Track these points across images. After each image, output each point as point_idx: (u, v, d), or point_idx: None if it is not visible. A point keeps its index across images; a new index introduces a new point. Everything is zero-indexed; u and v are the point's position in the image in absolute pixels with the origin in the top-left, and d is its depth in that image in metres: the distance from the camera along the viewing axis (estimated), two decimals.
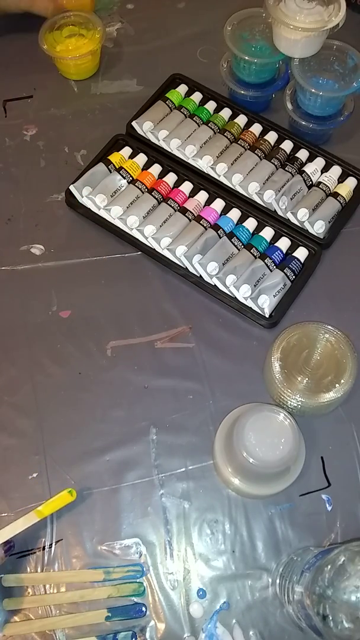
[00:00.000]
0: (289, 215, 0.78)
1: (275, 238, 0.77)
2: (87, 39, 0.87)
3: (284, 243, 0.76)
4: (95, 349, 0.72)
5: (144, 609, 0.61)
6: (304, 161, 0.82)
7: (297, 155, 0.82)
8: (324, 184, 0.80)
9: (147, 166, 0.81)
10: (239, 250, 0.76)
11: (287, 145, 0.83)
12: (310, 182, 0.80)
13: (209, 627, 0.60)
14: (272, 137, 0.83)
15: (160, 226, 0.77)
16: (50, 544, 0.63)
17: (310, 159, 0.82)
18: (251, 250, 0.75)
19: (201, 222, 0.77)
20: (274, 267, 0.75)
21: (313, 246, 0.76)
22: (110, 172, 0.80)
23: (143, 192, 0.79)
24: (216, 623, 0.60)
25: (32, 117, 0.87)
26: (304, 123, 0.81)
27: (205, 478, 0.66)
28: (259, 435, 0.58)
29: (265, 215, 0.78)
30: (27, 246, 0.78)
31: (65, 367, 0.71)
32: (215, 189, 0.80)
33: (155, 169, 0.81)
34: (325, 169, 0.81)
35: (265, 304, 0.72)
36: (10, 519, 0.61)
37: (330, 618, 0.49)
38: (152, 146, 0.83)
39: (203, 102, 0.86)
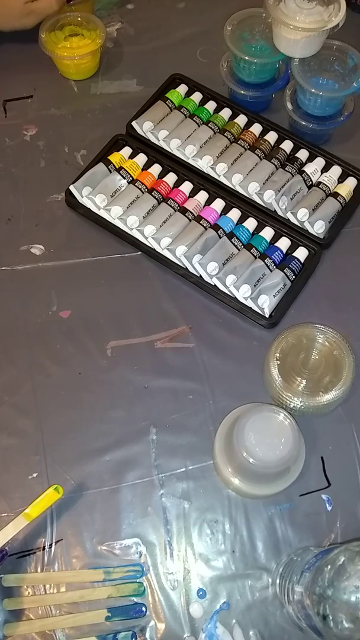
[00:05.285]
0: (289, 215, 0.78)
1: (275, 238, 0.77)
2: (88, 39, 0.87)
3: (284, 243, 0.76)
4: (95, 349, 0.72)
5: (144, 609, 0.61)
6: (304, 161, 0.82)
7: (297, 155, 0.82)
8: (324, 184, 0.80)
9: (147, 166, 0.81)
10: (239, 250, 0.76)
11: (287, 145, 0.83)
12: (310, 182, 0.80)
13: (209, 627, 0.60)
14: (272, 137, 0.83)
15: (160, 226, 0.77)
16: (50, 544, 0.63)
17: (310, 159, 0.82)
18: (251, 250, 0.75)
19: (201, 222, 0.77)
20: (274, 267, 0.75)
21: (313, 246, 0.76)
22: (110, 172, 0.80)
23: (143, 192, 0.79)
24: (216, 623, 0.60)
25: (32, 117, 0.87)
26: (304, 123, 0.81)
27: (205, 478, 0.66)
28: (259, 435, 0.58)
29: (265, 215, 0.78)
30: (27, 246, 0.78)
31: (65, 367, 0.71)
32: (215, 189, 0.80)
33: (155, 169, 0.81)
34: (325, 169, 0.81)
35: (265, 304, 0.72)
36: (10, 519, 0.61)
37: (330, 618, 0.49)
38: (152, 146, 0.83)
39: (203, 102, 0.86)
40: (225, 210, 0.79)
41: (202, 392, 0.70)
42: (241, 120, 0.85)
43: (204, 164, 0.81)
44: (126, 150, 0.82)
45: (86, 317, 0.74)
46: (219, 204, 0.79)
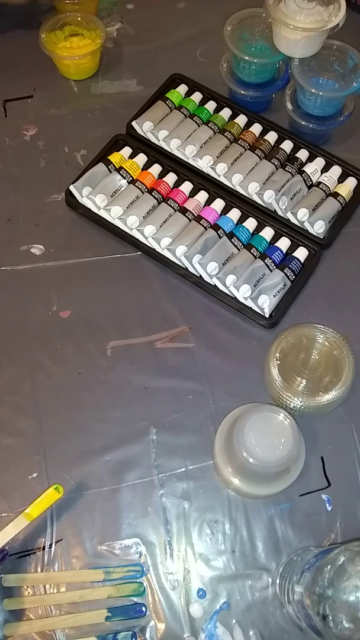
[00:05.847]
0: (289, 215, 0.78)
1: (275, 238, 0.77)
2: (88, 39, 0.87)
3: (284, 243, 0.76)
4: (95, 349, 0.72)
5: (144, 609, 0.61)
6: (304, 161, 0.82)
7: (297, 155, 0.82)
8: (324, 184, 0.80)
9: (147, 166, 0.81)
10: (239, 250, 0.76)
11: (287, 145, 0.83)
12: (310, 182, 0.80)
13: (209, 627, 0.60)
14: (272, 137, 0.83)
15: (160, 226, 0.77)
16: (50, 544, 0.63)
17: (310, 159, 0.82)
18: (251, 250, 0.75)
19: (201, 222, 0.77)
20: (274, 267, 0.75)
21: (313, 246, 0.76)
22: (110, 172, 0.80)
23: (143, 192, 0.79)
24: (216, 623, 0.60)
25: (32, 117, 0.87)
26: (304, 123, 0.81)
27: (205, 478, 0.66)
28: (259, 435, 0.58)
29: (265, 215, 0.78)
30: (27, 246, 0.78)
31: (65, 367, 0.71)
32: (215, 189, 0.80)
33: (155, 169, 0.81)
34: (325, 169, 0.81)
35: (265, 304, 0.72)
36: (10, 519, 0.61)
37: (330, 618, 0.49)
38: (152, 146, 0.83)
39: (203, 102, 0.86)
40: (225, 210, 0.79)
41: (202, 392, 0.70)
42: (241, 120, 0.85)
43: (204, 164, 0.81)
44: (126, 150, 0.82)
45: (86, 317, 0.74)
46: (219, 204, 0.79)
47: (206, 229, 0.76)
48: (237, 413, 0.64)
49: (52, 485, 0.60)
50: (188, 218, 0.77)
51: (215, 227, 0.76)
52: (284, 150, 0.82)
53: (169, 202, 0.78)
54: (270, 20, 0.76)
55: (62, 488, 0.60)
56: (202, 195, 0.80)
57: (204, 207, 0.79)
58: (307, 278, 0.76)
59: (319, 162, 0.82)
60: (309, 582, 0.53)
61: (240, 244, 0.76)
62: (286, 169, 0.80)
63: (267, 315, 0.73)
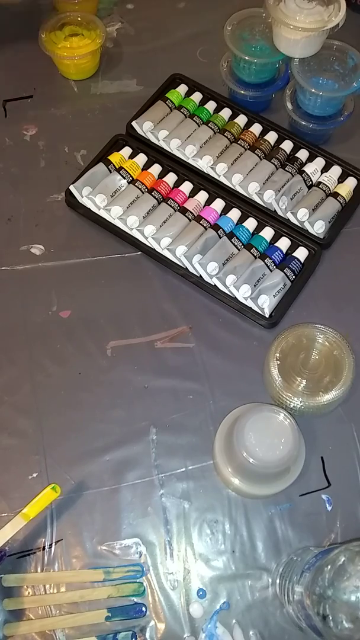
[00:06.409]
0: (289, 215, 0.78)
1: (275, 238, 0.77)
2: (88, 39, 0.87)
3: (284, 243, 0.77)
4: (95, 349, 0.72)
5: (144, 609, 0.61)
6: (304, 161, 0.82)
7: (297, 155, 0.82)
8: (324, 184, 0.80)
9: (147, 166, 0.81)
10: (239, 250, 0.76)
11: (287, 145, 0.83)
12: (310, 182, 0.80)
13: (209, 627, 0.60)
14: (272, 137, 0.83)
15: (160, 226, 0.77)
16: (50, 544, 0.63)
17: (310, 159, 0.82)
18: (251, 250, 0.75)
19: (201, 222, 0.77)
20: (274, 267, 0.75)
21: (313, 246, 0.76)
22: (110, 172, 0.80)
23: (143, 192, 0.79)
24: (216, 623, 0.60)
25: (32, 117, 0.87)
26: (304, 123, 0.81)
27: (205, 478, 0.66)
28: (259, 435, 0.58)
29: (265, 215, 0.78)
30: (27, 246, 0.78)
31: (65, 367, 0.71)
32: (215, 189, 0.80)
33: (155, 169, 0.81)
34: (325, 169, 0.81)
35: (265, 304, 0.72)
36: (10, 519, 0.61)
37: (330, 618, 0.49)
38: (152, 146, 0.83)
39: (203, 102, 0.86)
40: (225, 210, 0.79)
41: (202, 392, 0.70)
42: (241, 120, 0.85)
43: (204, 164, 0.81)
44: (126, 150, 0.82)
45: (86, 317, 0.74)
46: (219, 204, 0.79)
47: (206, 229, 0.76)
48: (237, 413, 0.64)
49: (49, 484, 0.60)
50: (188, 218, 0.77)
51: (215, 227, 0.76)
52: (284, 150, 0.82)
53: (169, 202, 0.78)
54: (270, 20, 0.76)
55: (59, 487, 0.60)
56: (202, 195, 0.80)
57: (204, 207, 0.79)
58: (307, 278, 0.76)
59: (319, 162, 0.82)
60: (309, 582, 0.53)
61: (240, 244, 0.76)
62: (286, 169, 0.80)
63: (267, 315, 0.73)
